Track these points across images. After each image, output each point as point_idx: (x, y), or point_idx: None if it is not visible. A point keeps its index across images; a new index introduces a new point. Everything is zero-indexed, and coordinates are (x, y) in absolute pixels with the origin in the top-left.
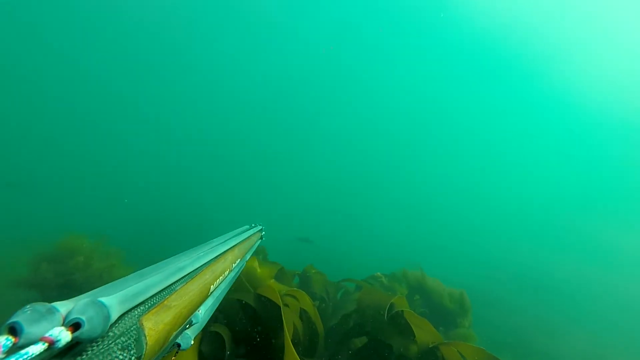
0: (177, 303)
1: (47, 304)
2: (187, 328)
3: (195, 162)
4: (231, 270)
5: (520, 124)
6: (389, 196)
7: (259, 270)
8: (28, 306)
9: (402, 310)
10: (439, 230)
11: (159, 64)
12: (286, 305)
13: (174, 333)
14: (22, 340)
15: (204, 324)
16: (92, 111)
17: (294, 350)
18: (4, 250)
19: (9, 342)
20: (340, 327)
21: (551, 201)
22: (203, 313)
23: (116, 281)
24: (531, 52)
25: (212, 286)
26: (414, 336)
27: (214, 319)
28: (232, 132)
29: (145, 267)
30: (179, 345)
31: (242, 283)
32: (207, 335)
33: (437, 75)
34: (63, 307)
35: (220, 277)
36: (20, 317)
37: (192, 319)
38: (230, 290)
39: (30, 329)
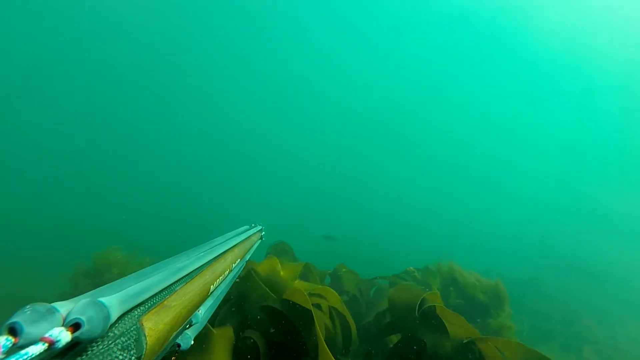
0: (177, 303)
1: (47, 304)
2: (187, 328)
3: (217, 165)
4: (231, 271)
5: (522, 102)
6: (415, 190)
7: (282, 272)
8: (28, 306)
9: (434, 306)
10: (470, 220)
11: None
12: (317, 305)
13: (174, 333)
14: (22, 341)
15: (204, 324)
16: (95, 112)
17: (328, 350)
18: (49, 268)
19: (8, 343)
20: (374, 325)
21: (583, 179)
22: (203, 313)
23: (116, 281)
24: (524, 24)
25: (212, 286)
26: (448, 332)
27: (246, 325)
28: (248, 133)
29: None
30: (179, 345)
31: (266, 290)
32: (240, 340)
33: (439, 61)
34: (63, 307)
35: (220, 277)
36: (20, 317)
37: (192, 319)
38: (256, 296)
39: (30, 329)
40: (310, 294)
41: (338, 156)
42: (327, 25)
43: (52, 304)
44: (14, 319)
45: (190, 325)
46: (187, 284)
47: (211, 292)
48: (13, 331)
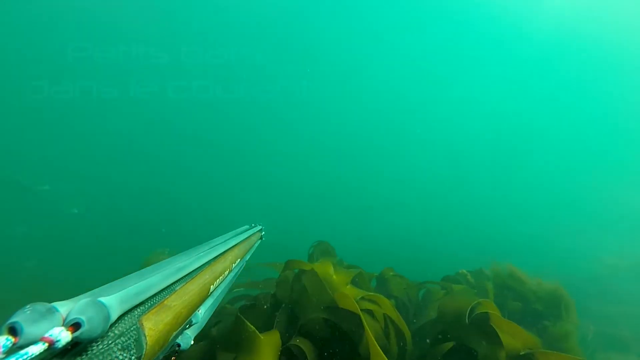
0: (177, 303)
1: (47, 303)
2: (187, 328)
3: (217, 165)
4: (231, 271)
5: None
6: (464, 191)
7: (334, 276)
8: (28, 306)
9: (488, 313)
10: (511, 216)
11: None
12: (368, 310)
13: (174, 333)
14: (21, 340)
15: (203, 324)
16: (97, 114)
17: (384, 356)
18: (102, 275)
19: (8, 342)
20: (423, 333)
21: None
22: (203, 313)
23: (116, 281)
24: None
25: (212, 286)
26: (502, 342)
27: (295, 332)
28: (248, 132)
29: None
30: (179, 345)
31: (328, 294)
32: (287, 346)
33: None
34: (63, 307)
35: (220, 277)
36: (20, 317)
37: (192, 319)
38: (315, 300)
39: (30, 329)
40: (361, 299)
41: (341, 156)
42: (326, 23)
43: (52, 304)
44: (14, 319)
45: (190, 325)
46: (187, 284)
47: (211, 292)
48: (13, 331)
